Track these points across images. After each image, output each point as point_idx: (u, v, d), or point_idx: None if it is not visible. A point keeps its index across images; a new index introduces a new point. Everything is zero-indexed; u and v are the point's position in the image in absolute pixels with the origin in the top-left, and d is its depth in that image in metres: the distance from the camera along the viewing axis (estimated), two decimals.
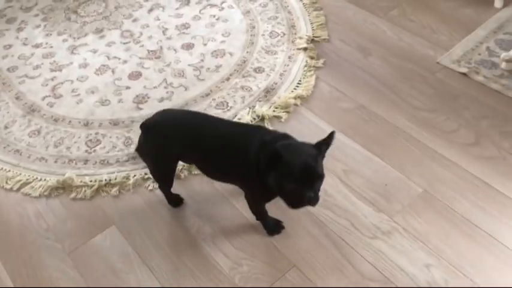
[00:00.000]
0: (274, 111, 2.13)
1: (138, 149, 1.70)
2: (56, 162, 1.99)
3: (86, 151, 2.02)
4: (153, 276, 1.61)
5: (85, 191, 1.87)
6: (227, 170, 1.59)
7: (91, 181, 1.90)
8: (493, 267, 1.57)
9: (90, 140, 2.06)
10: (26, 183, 1.92)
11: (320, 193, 1.43)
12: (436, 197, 1.78)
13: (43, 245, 1.72)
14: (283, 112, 2.13)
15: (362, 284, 1.55)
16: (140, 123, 1.66)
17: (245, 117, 2.09)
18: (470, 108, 2.08)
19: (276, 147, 1.39)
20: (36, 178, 1.93)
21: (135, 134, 2.07)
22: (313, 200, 1.41)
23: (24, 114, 2.21)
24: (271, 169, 1.39)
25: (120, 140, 2.05)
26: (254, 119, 2.10)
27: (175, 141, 1.58)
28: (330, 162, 1.92)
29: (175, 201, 1.82)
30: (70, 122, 2.16)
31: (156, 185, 1.88)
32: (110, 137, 2.06)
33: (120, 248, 1.70)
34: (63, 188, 1.90)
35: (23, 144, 2.07)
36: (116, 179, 1.90)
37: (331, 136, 1.43)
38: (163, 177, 1.74)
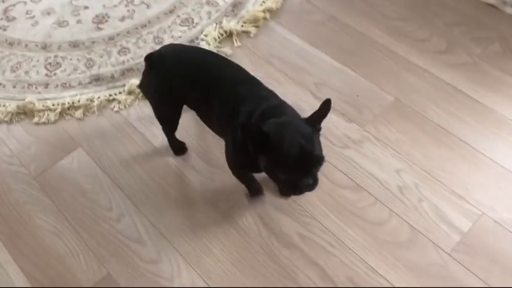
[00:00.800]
0: (242, 26, 2.04)
1: (140, 85, 1.54)
2: (14, 87, 1.89)
3: (46, 75, 1.91)
4: (124, 194, 1.58)
5: (48, 115, 1.80)
6: (218, 124, 1.41)
7: (53, 105, 1.82)
8: (463, 170, 1.59)
9: (50, 63, 1.95)
10: None
11: (319, 173, 1.21)
12: (407, 105, 1.76)
13: (7, 171, 1.67)
14: (252, 27, 2.04)
15: (334, 192, 1.55)
16: (145, 55, 1.45)
17: (212, 33, 1.99)
18: (442, 16, 2.03)
19: (262, 126, 1.17)
20: None
21: (97, 56, 1.97)
22: (312, 186, 1.22)
23: None
24: (259, 151, 1.18)
25: (81, 62, 1.95)
26: (221, 34, 2.01)
27: (181, 78, 1.40)
28: (300, 75, 1.88)
29: (179, 149, 1.68)
30: (27, 45, 2.03)
31: (121, 106, 1.81)
32: (71, 59, 1.96)
33: (88, 170, 1.65)
34: (25, 113, 1.81)
35: None
36: (79, 101, 1.82)
37: (326, 105, 1.20)
38: (167, 119, 1.57)
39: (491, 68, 1.85)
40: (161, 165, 1.65)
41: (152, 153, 1.69)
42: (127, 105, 1.82)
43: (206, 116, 1.44)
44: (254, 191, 1.55)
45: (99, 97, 1.83)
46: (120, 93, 1.85)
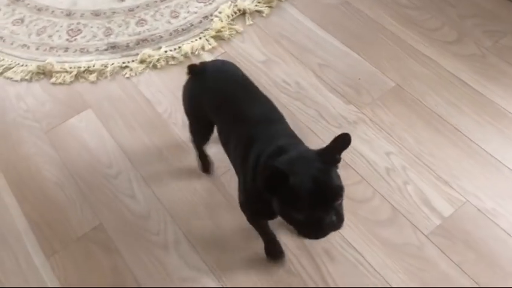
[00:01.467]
0: (256, 5, 2.09)
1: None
2: (37, 49, 2.02)
3: (67, 39, 2.04)
4: (124, 154, 1.69)
5: (64, 76, 1.92)
6: (234, 160, 1.31)
7: (70, 68, 1.94)
8: (453, 157, 1.60)
9: (72, 29, 2.08)
10: (8, 68, 1.97)
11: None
12: (407, 92, 1.78)
13: (22, 124, 1.80)
14: (266, 7, 2.09)
15: None
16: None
17: (226, 10, 2.06)
18: (457, 7, 2.02)
19: (273, 163, 1.06)
20: (18, 64, 1.98)
21: (115, 25, 2.08)
22: (337, 224, 1.06)
23: (9, 3, 2.22)
24: (272, 192, 1.04)
25: (100, 30, 2.06)
26: (235, 12, 2.07)
27: (212, 98, 1.34)
28: (306, 56, 1.92)
29: (204, 165, 1.62)
30: (53, 12, 2.16)
31: (133, 73, 1.91)
32: (91, 27, 2.07)
33: (95, 129, 1.76)
34: (44, 73, 1.94)
35: (6, 32, 2.10)
36: (94, 66, 1.94)
37: (343, 139, 1.06)
38: (195, 131, 1.52)
39: (499, 61, 1.83)
40: (163, 131, 1.74)
41: (156, 120, 1.78)
42: (138, 73, 1.92)
43: (226, 146, 1.33)
44: (271, 251, 1.43)
45: (113, 63, 1.94)
46: (133, 61, 1.95)
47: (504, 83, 1.77)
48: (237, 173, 1.29)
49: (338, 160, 1.09)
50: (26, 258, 1.47)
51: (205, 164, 1.62)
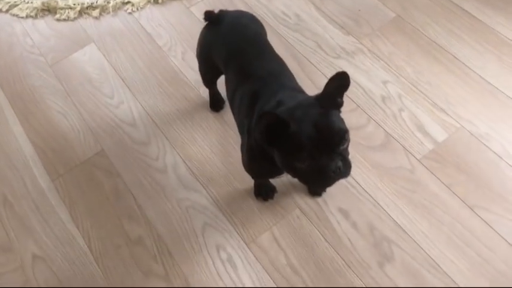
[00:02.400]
0: None
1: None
2: None
3: None
4: (125, 84, 1.73)
5: (68, 12, 1.95)
6: (237, 116, 1.27)
7: (74, 4, 1.96)
8: (449, 84, 1.60)
9: None
10: (14, 5, 2.00)
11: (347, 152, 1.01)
12: (408, 22, 1.76)
13: (28, 59, 1.85)
14: None
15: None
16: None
17: None
18: None
19: (266, 111, 1.02)
20: (24, 1, 2.01)
21: None
22: (344, 171, 0.99)
23: None
24: (272, 143, 0.98)
25: None
26: None
27: (224, 48, 1.30)
28: None
29: (216, 105, 1.64)
30: None
31: (135, 8, 1.93)
32: None
33: (97, 62, 1.81)
34: (48, 9, 1.97)
35: None
36: (97, 2, 1.96)
37: (340, 78, 0.97)
38: (204, 75, 1.52)
39: None
40: (163, 63, 1.77)
41: (156, 52, 1.81)
42: (139, 8, 1.94)
43: (231, 103, 1.29)
44: (264, 191, 1.44)
45: None
46: None
47: (508, 11, 1.73)
48: (240, 132, 1.25)
49: (340, 104, 1.01)
50: (33, 181, 1.55)
51: (214, 102, 1.64)
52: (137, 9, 1.94)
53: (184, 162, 1.53)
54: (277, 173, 1.18)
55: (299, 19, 1.83)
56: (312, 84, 1.64)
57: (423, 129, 1.52)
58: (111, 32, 1.89)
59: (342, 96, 1.01)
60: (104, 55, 1.82)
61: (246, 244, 1.38)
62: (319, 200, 1.42)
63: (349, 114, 1.57)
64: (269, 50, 1.30)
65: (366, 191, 1.43)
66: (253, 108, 1.14)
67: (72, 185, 1.53)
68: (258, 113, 1.09)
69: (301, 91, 1.19)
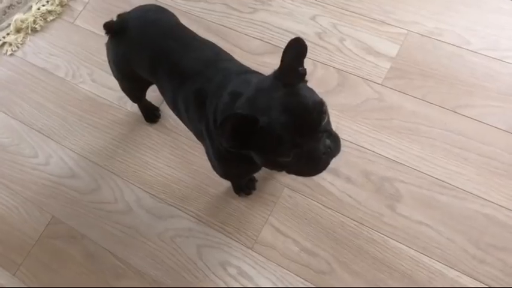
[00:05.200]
0: None
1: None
2: None
3: None
4: (44, 136, 1.49)
5: None
6: (188, 123, 1.09)
7: None
8: None
9: None
10: None
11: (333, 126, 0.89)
12: None
13: None
14: None
15: (254, 60, 1.45)
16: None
17: None
18: None
19: (231, 112, 0.84)
20: None
21: None
22: (335, 147, 0.86)
23: None
24: (244, 147, 0.84)
25: None
26: None
27: (140, 55, 1.10)
28: None
29: (151, 116, 1.45)
30: None
31: (14, 48, 1.66)
32: None
33: (2, 124, 1.55)
34: None
35: None
36: None
37: (296, 47, 0.82)
38: (128, 92, 1.34)
39: None
40: (73, 95, 1.54)
41: (60, 86, 1.56)
42: (19, 45, 1.66)
43: (175, 110, 1.10)
44: (241, 190, 1.30)
45: None
46: (8, 34, 1.68)
47: None
48: (199, 139, 1.08)
49: (303, 73, 0.85)
50: None
51: (149, 114, 1.44)
52: (17, 47, 1.66)
53: (147, 192, 1.35)
54: (256, 169, 1.04)
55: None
56: (242, 51, 1.47)
57: (372, 50, 1.40)
58: (1, 84, 1.62)
59: (302, 65, 0.85)
60: (5, 113, 1.56)
61: (249, 248, 1.24)
62: None
63: None
64: (192, 36, 1.11)
65: (344, 140, 1.30)
66: (204, 109, 0.97)
67: (37, 269, 1.33)
68: (213, 114, 0.93)
69: (250, 71, 1.01)
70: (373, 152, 1.28)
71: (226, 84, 0.93)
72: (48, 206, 1.40)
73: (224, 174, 1.12)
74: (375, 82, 1.35)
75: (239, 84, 0.90)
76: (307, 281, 1.18)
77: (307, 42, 1.49)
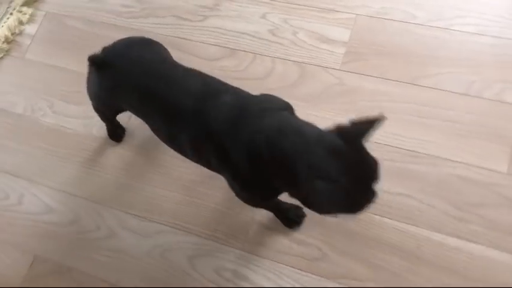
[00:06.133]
0: None
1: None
2: None
3: None
4: (12, 176, 1.45)
5: None
6: (198, 159, 1.05)
7: None
8: None
9: None
10: None
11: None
12: None
13: None
14: None
15: (213, 66, 1.46)
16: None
17: None
18: None
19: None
20: None
21: None
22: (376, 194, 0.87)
23: None
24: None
25: None
26: None
27: (127, 91, 1.07)
28: None
29: (116, 135, 1.44)
30: None
31: None
32: None
33: None
34: None
35: None
36: None
37: (374, 121, 0.84)
38: (103, 115, 1.34)
39: None
40: (36, 130, 1.51)
41: (21, 123, 1.53)
42: None
43: (178, 149, 1.06)
44: (292, 221, 1.25)
45: None
46: None
47: None
48: (218, 171, 1.04)
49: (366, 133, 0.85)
50: None
51: (114, 133, 1.44)
52: None
53: (128, 213, 1.34)
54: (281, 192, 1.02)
55: (143, 3, 1.62)
56: (200, 59, 1.47)
57: (325, 38, 1.43)
58: None
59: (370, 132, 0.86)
60: None
61: (240, 249, 1.25)
62: None
63: (252, 66, 1.44)
64: (180, 68, 1.07)
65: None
66: (227, 152, 0.94)
67: None
68: (247, 154, 0.92)
69: (281, 108, 0.98)
70: None
71: (260, 128, 0.91)
72: (28, 245, 1.36)
73: (258, 203, 1.12)
74: (333, 68, 1.39)
75: (286, 133, 0.89)
76: (302, 270, 1.20)
77: (263, 40, 1.52)
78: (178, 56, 1.42)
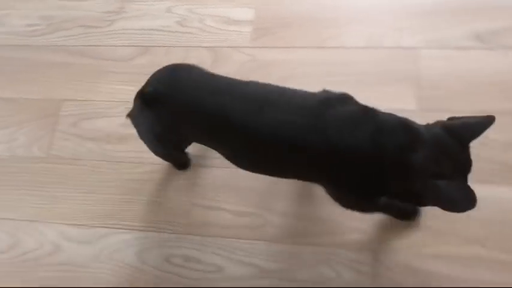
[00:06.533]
0: None
1: (130, 114, 1.09)
2: None
3: None
4: None
5: None
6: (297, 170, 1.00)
7: None
8: None
9: None
10: None
11: None
12: None
13: None
14: None
15: (129, 67, 1.48)
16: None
17: None
18: None
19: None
20: None
21: None
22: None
23: None
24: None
25: None
26: None
27: (190, 123, 0.99)
28: None
29: (183, 164, 1.33)
30: None
31: None
32: None
33: None
34: None
35: None
36: None
37: (487, 121, 0.89)
38: (174, 160, 1.28)
39: None
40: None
41: None
42: None
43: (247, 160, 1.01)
44: (409, 211, 1.20)
45: None
46: None
47: None
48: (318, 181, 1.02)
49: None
50: None
51: (183, 162, 1.32)
52: None
53: (68, 224, 1.32)
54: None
55: (47, 19, 1.61)
56: (115, 62, 1.49)
57: (232, 20, 1.49)
58: None
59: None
60: None
61: (186, 234, 1.26)
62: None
63: (165, 58, 1.47)
64: (244, 83, 0.99)
65: None
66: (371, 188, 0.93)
67: None
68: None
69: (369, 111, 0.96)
70: None
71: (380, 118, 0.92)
72: None
73: (368, 207, 1.09)
74: (244, 47, 1.44)
75: (413, 130, 0.91)
76: (248, 239, 1.23)
77: (174, 33, 1.56)
78: (90, 63, 1.43)
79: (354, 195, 0.98)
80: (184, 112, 0.97)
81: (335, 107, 0.93)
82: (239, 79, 1.00)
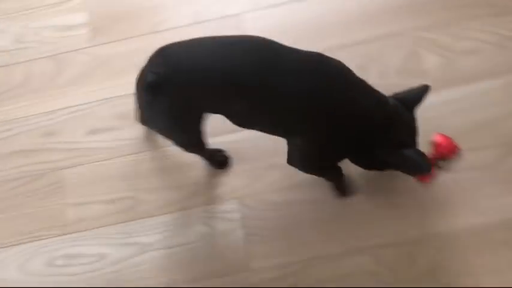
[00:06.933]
0: None
1: (142, 119, 1.13)
2: None
3: None
4: None
5: None
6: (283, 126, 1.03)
7: None
8: None
9: None
10: None
11: None
12: None
13: None
14: None
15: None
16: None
17: None
18: None
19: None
20: None
21: None
22: None
23: None
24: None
25: None
26: None
27: (207, 90, 0.97)
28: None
29: (220, 161, 1.30)
30: None
31: None
32: None
33: None
34: None
35: None
36: None
37: (423, 91, 1.09)
38: (196, 144, 1.15)
39: None
40: None
41: None
42: None
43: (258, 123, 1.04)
44: (346, 189, 1.27)
45: None
46: None
47: None
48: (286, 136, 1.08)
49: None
50: None
51: (220, 161, 1.30)
52: None
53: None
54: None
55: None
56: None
57: (67, 26, 1.51)
58: None
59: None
60: None
61: (62, 235, 1.28)
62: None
63: (7, 79, 1.47)
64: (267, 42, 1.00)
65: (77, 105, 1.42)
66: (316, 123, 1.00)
67: None
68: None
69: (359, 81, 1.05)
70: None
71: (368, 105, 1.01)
72: None
73: (320, 168, 1.16)
74: (83, 48, 1.49)
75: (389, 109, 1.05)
76: (124, 222, 1.28)
77: (10, 52, 1.56)
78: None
79: (321, 155, 1.08)
80: (192, 82, 0.96)
81: (329, 64, 1.01)
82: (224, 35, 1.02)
